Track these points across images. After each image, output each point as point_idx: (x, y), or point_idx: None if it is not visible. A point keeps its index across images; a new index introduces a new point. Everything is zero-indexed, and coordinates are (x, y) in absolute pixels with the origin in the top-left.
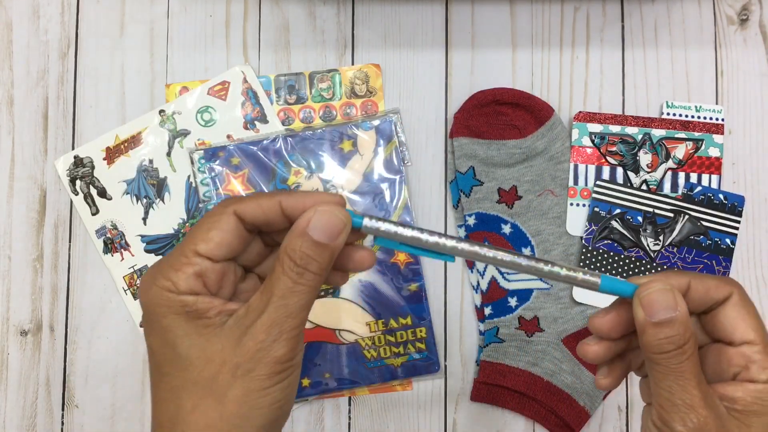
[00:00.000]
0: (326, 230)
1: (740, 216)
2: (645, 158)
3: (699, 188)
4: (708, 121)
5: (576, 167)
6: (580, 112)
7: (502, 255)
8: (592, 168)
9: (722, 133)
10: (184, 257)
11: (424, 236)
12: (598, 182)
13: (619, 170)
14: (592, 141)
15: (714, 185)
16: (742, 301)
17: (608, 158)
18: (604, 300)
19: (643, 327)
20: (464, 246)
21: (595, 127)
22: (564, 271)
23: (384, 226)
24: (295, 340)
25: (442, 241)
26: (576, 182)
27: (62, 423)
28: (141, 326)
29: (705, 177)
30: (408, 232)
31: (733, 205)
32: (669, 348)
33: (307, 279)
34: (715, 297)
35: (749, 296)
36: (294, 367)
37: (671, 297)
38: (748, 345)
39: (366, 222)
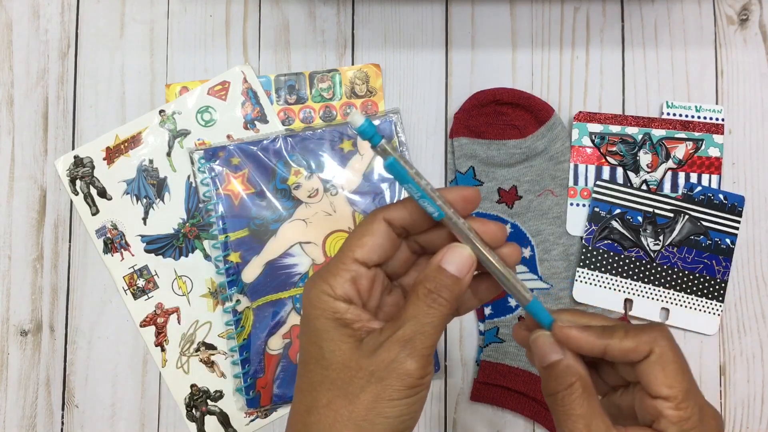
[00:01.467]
0: (458, 265)
1: (740, 216)
2: (645, 158)
3: (699, 188)
4: (708, 121)
5: (576, 167)
6: (580, 112)
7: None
8: (592, 168)
9: (722, 133)
10: (342, 263)
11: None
12: (598, 182)
13: (619, 170)
14: (592, 141)
15: (714, 185)
16: (662, 358)
17: (608, 158)
18: (604, 301)
19: (538, 369)
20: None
21: (595, 127)
22: (508, 275)
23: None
24: (427, 359)
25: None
26: (576, 182)
27: (62, 423)
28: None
29: (705, 177)
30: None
31: (733, 205)
32: (557, 389)
33: (440, 304)
34: (633, 358)
35: (676, 345)
36: (423, 386)
37: (555, 344)
38: (662, 399)
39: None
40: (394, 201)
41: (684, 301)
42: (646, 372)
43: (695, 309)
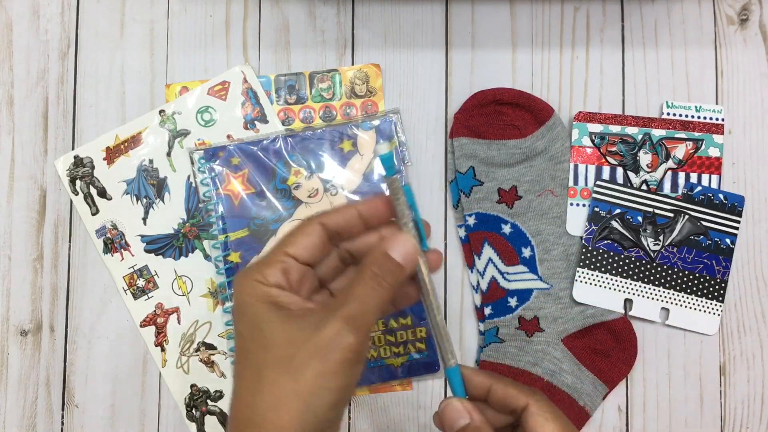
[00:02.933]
0: (403, 254)
1: (740, 216)
2: (645, 158)
3: (699, 188)
4: (708, 121)
5: (576, 167)
6: (580, 112)
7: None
8: (592, 168)
9: (722, 133)
10: (274, 256)
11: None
12: (598, 182)
13: (619, 170)
14: (592, 141)
15: (714, 185)
16: (539, 411)
17: (608, 158)
18: (604, 301)
19: None
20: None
21: (595, 127)
22: (444, 335)
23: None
24: (365, 335)
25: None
26: (576, 182)
27: (62, 423)
28: (230, 314)
29: (705, 177)
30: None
31: (733, 205)
32: None
33: (383, 288)
34: (513, 405)
35: (553, 405)
36: (361, 358)
37: (462, 409)
38: None
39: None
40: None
41: (684, 301)
42: (528, 423)
43: (695, 309)
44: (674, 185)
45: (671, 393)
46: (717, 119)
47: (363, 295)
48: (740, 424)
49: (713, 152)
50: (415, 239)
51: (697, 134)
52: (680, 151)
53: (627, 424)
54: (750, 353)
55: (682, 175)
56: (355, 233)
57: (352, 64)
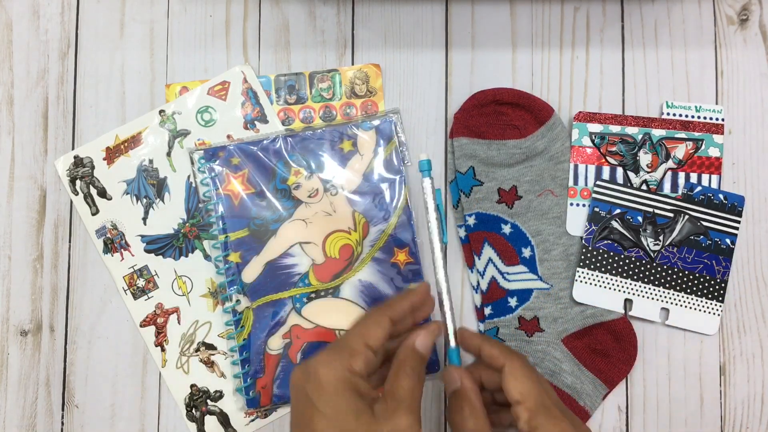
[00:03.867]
0: (423, 346)
1: (740, 216)
2: (645, 158)
3: (699, 188)
4: (708, 121)
5: (576, 167)
6: (580, 112)
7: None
8: (592, 168)
9: (722, 133)
10: (357, 346)
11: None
12: (598, 182)
13: (619, 170)
14: (592, 141)
15: (714, 185)
16: (514, 370)
17: (608, 158)
18: (604, 301)
19: (448, 397)
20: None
21: (595, 127)
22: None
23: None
24: (418, 415)
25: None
26: (576, 182)
27: (62, 423)
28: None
29: (705, 177)
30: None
31: (733, 205)
32: (453, 409)
33: (416, 375)
34: (495, 365)
35: (527, 367)
36: None
37: (456, 375)
38: (517, 404)
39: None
40: (394, 201)
41: (684, 301)
42: (504, 381)
43: (695, 309)
44: (674, 185)
45: (671, 393)
46: (717, 119)
47: (407, 382)
48: (740, 424)
49: (713, 152)
50: (438, 326)
51: (697, 134)
52: (680, 151)
53: (627, 424)
54: (750, 353)
55: (682, 175)
56: (407, 325)
57: (352, 64)
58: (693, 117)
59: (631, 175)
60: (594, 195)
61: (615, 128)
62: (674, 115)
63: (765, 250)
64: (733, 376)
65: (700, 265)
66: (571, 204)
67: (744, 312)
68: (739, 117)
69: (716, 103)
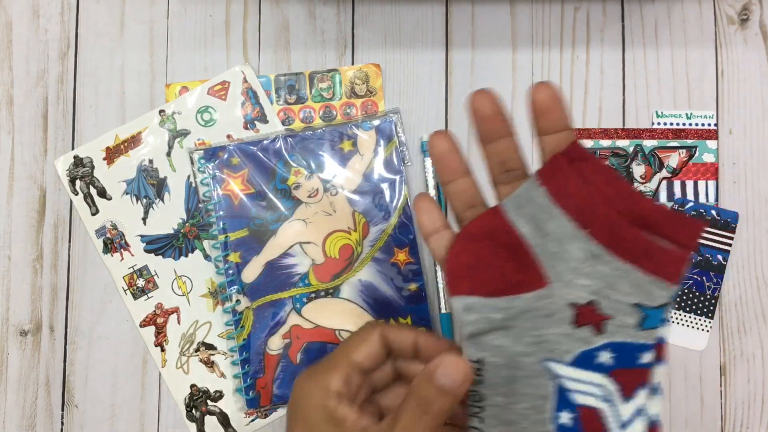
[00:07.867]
0: (451, 378)
1: (733, 232)
2: (638, 169)
3: (691, 203)
4: (700, 127)
5: None
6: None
7: None
8: None
9: (716, 138)
10: (338, 361)
11: None
12: None
13: None
14: None
15: (711, 191)
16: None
17: None
18: None
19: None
20: None
21: (585, 144)
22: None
23: None
24: None
25: None
26: None
27: (62, 423)
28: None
29: (701, 183)
30: None
31: (726, 222)
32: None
33: (430, 417)
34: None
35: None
36: None
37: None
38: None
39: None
40: (394, 201)
41: (672, 316)
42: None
43: (684, 324)
44: (670, 194)
45: (671, 393)
46: (709, 125)
47: (407, 426)
48: (740, 424)
49: (708, 158)
50: (465, 362)
51: (689, 142)
52: (673, 160)
53: None
54: (750, 353)
55: (677, 184)
56: (408, 357)
57: (352, 64)
58: (684, 124)
59: None
60: None
61: (605, 143)
62: (665, 124)
63: (765, 250)
64: (733, 376)
65: (689, 281)
66: None
67: (744, 312)
68: (739, 117)
69: (716, 103)
